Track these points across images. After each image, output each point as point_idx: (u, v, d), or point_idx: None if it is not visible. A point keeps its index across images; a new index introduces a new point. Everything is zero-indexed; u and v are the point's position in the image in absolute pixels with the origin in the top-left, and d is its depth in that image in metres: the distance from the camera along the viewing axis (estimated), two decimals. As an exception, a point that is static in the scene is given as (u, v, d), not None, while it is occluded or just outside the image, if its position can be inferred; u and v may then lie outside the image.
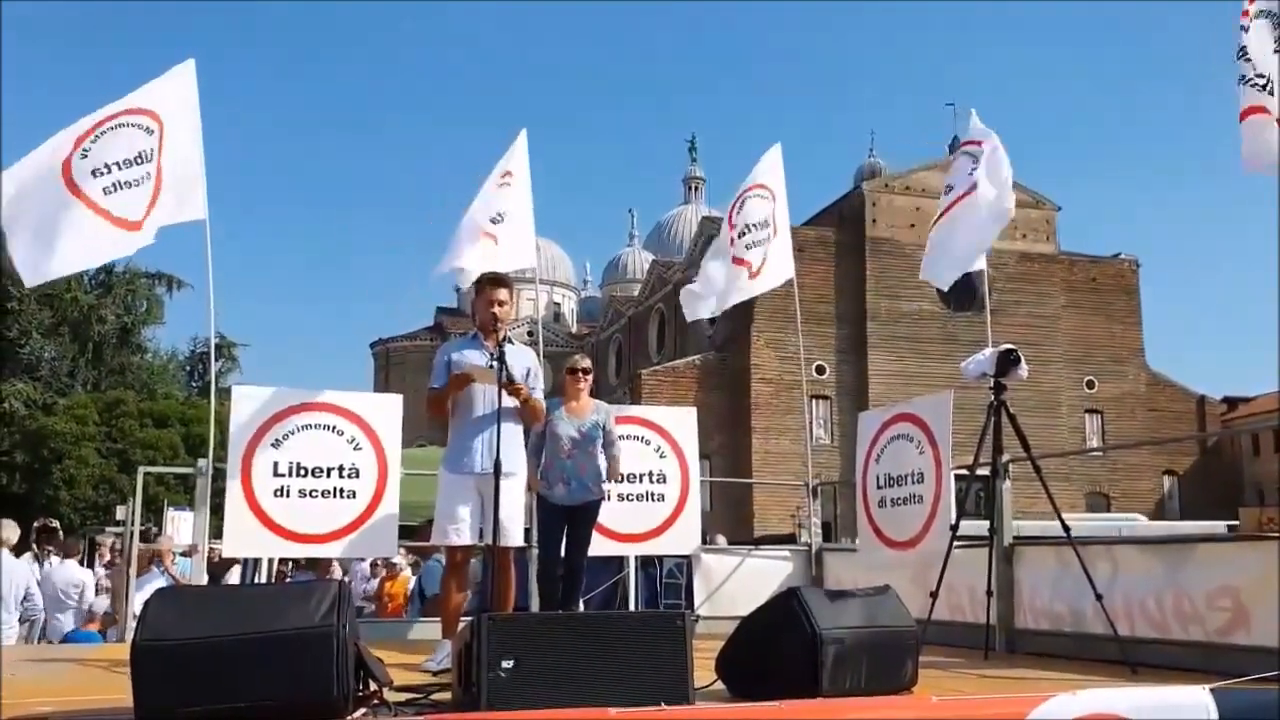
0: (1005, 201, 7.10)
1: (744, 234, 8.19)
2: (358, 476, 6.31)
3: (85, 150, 5.90)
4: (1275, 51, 5.05)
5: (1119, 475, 49.41)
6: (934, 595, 5.79)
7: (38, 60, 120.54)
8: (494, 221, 6.87)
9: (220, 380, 38.07)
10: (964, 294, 44.09)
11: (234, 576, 8.95)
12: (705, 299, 8.33)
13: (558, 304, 78.91)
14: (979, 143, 7.36)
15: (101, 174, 5.88)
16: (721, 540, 10.67)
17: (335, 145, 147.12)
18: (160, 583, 8.36)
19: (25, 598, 8.37)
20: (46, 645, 8.36)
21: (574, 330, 77.05)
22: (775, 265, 8.27)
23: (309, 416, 6.28)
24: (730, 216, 8.40)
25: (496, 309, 5.33)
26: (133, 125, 6.11)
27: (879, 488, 6.94)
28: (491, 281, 5.46)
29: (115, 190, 5.91)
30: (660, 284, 60.43)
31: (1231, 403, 55.38)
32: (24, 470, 33.86)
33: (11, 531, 8.58)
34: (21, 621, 8.44)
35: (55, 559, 10.52)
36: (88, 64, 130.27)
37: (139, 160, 6.03)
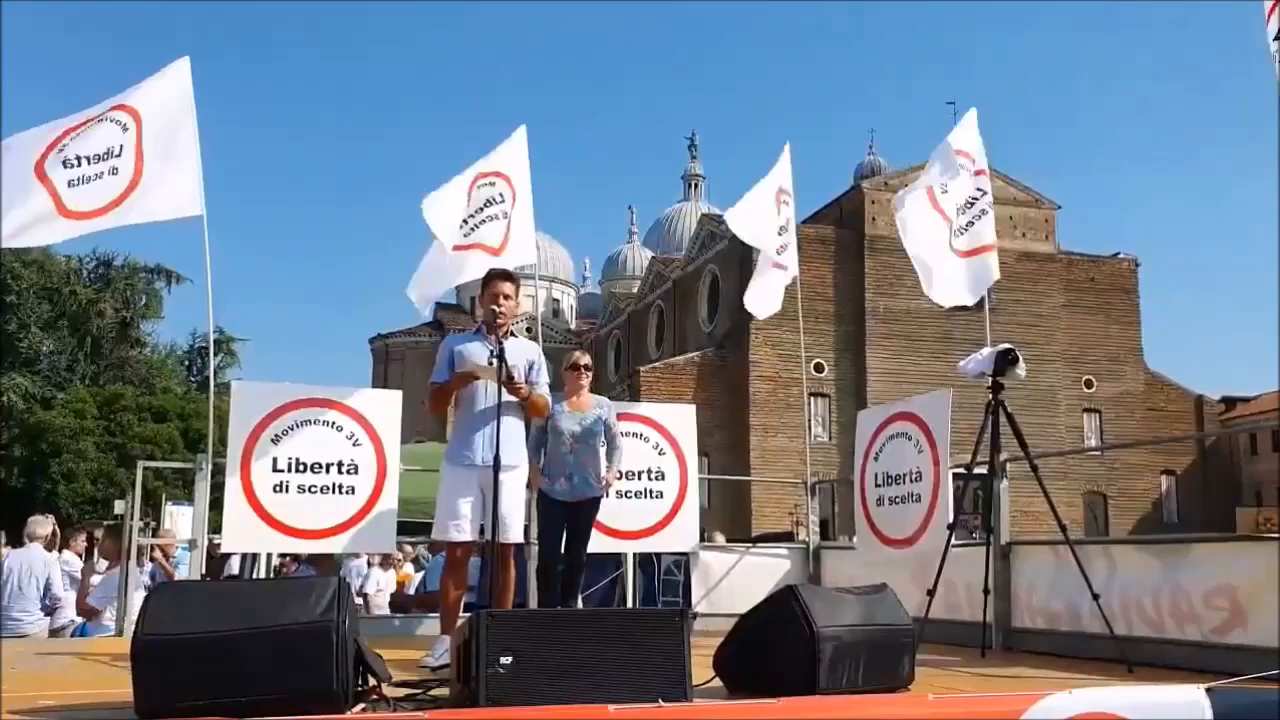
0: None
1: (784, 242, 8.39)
2: (357, 472, 6.31)
3: (63, 146, 6.07)
4: None
5: (1117, 475, 49.45)
6: (931, 593, 5.80)
7: (39, 60, 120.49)
8: (464, 231, 6.74)
9: (219, 375, 38.09)
10: (963, 292, 44.06)
11: (234, 565, 8.97)
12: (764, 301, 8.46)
13: (557, 300, 78.88)
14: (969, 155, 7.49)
15: (71, 165, 6.05)
16: (720, 538, 10.68)
17: (335, 141, 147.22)
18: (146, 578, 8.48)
19: (46, 590, 8.47)
20: (49, 639, 8.37)
21: (573, 326, 77.04)
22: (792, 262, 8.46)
23: (308, 412, 6.29)
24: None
25: (497, 304, 5.33)
26: (110, 121, 6.24)
27: (877, 486, 6.94)
28: (498, 277, 5.46)
29: (78, 184, 6.07)
30: (659, 281, 60.41)
31: (1229, 403, 55.44)
32: (22, 464, 33.84)
33: (43, 527, 8.84)
34: (47, 614, 8.55)
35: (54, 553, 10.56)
36: (87, 64, 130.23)
37: (105, 156, 6.15)
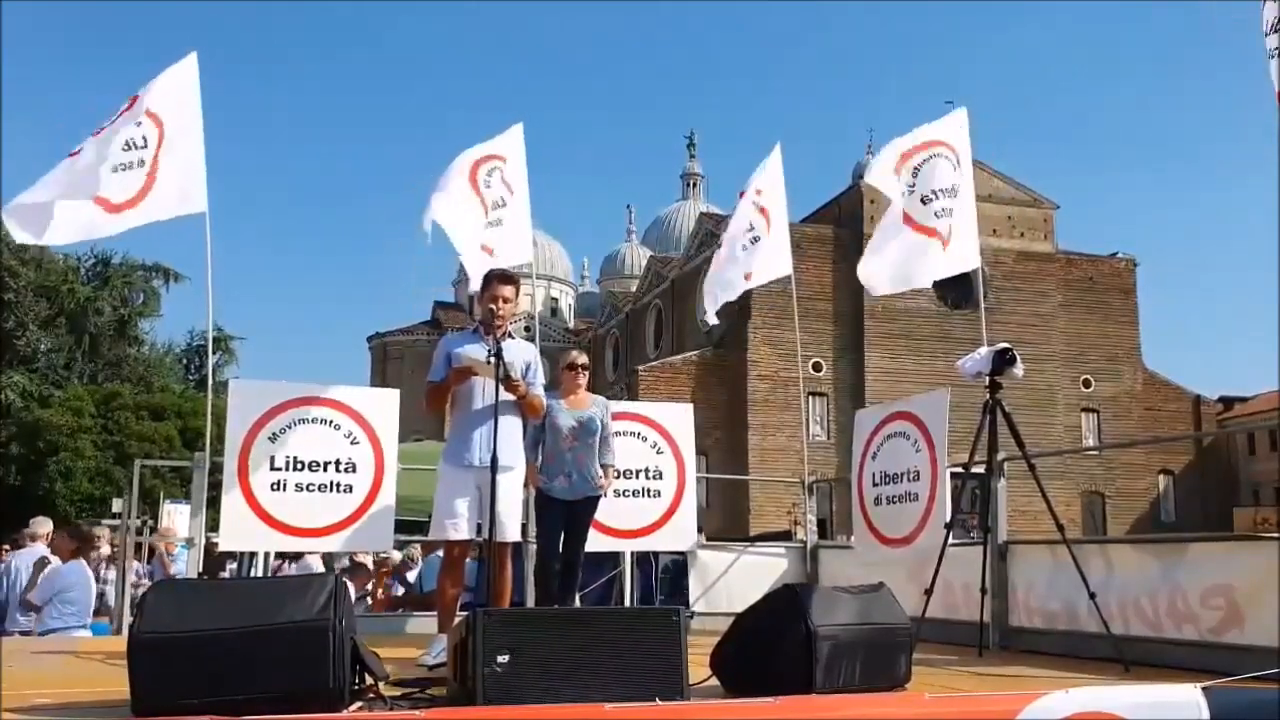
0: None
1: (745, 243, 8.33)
2: (354, 471, 6.31)
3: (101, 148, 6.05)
4: None
5: (1115, 474, 49.49)
6: (928, 593, 5.80)
7: (41, 59, 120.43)
8: (497, 210, 6.83)
9: (217, 374, 38.07)
10: (961, 292, 44.15)
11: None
12: (711, 295, 8.45)
13: (555, 299, 78.90)
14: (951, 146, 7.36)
15: (104, 160, 6.02)
16: (701, 538, 10.63)
17: (333, 139, 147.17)
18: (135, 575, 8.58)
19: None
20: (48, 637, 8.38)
21: (571, 326, 77.02)
22: (768, 261, 8.34)
23: (306, 411, 6.29)
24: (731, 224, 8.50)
25: (496, 304, 5.33)
26: (133, 121, 6.23)
27: (875, 485, 6.94)
28: (498, 278, 5.47)
29: (116, 172, 6.08)
30: (658, 280, 60.39)
31: (1227, 402, 55.50)
32: (20, 463, 33.80)
33: (43, 526, 9.14)
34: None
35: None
36: (91, 64, 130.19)
37: (128, 147, 6.16)
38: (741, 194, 8.47)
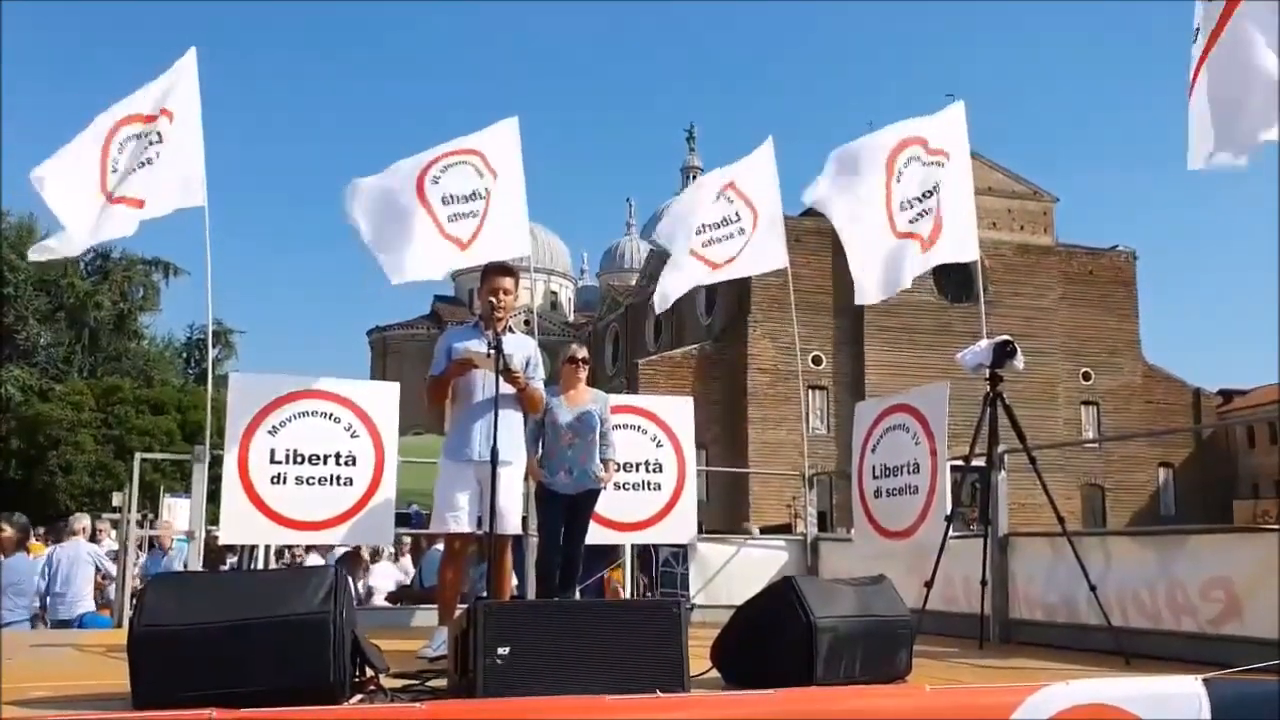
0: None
1: (705, 230, 8.16)
2: (354, 464, 6.31)
3: (114, 161, 6.23)
4: None
5: (1115, 467, 49.52)
6: (929, 585, 5.80)
7: (40, 59, 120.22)
8: (450, 215, 6.60)
9: (217, 367, 38.10)
10: (961, 285, 44.15)
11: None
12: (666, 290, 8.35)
13: (555, 293, 78.86)
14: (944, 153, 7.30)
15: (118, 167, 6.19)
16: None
17: (332, 133, 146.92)
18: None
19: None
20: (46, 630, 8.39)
21: (571, 319, 76.99)
22: (757, 254, 8.18)
23: (306, 404, 6.29)
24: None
25: (495, 297, 5.33)
26: (150, 117, 6.36)
27: (875, 478, 6.94)
28: (495, 270, 5.45)
29: (136, 169, 6.22)
30: (658, 273, 60.24)
31: (1227, 395, 55.55)
32: (20, 457, 33.86)
33: (80, 521, 9.70)
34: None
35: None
36: (90, 63, 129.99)
37: (150, 143, 6.31)
38: (725, 186, 8.30)
